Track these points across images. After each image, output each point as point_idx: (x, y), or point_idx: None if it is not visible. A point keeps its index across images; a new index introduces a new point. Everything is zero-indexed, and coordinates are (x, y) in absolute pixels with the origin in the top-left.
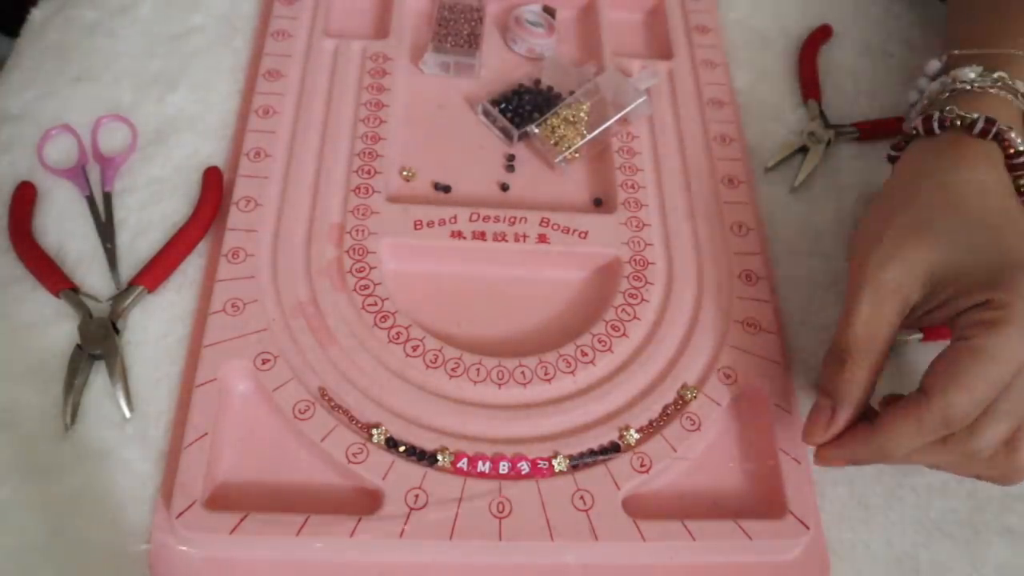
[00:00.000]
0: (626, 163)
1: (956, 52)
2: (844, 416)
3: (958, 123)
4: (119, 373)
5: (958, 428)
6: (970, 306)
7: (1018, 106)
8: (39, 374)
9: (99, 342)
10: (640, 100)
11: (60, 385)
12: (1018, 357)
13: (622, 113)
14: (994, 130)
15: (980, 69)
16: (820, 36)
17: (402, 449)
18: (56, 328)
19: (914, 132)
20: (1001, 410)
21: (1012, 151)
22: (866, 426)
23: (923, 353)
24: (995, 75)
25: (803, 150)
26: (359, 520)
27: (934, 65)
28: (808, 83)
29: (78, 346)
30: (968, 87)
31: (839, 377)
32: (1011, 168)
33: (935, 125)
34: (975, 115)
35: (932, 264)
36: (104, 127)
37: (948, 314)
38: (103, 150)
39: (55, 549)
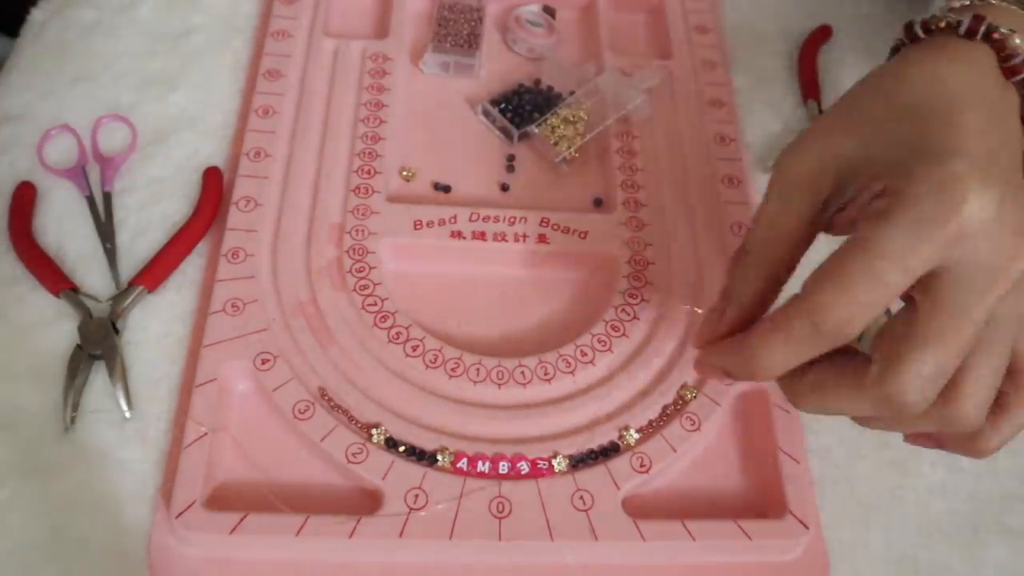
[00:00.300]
0: (626, 163)
1: None
2: (730, 315)
3: (942, 24)
4: (119, 373)
5: (832, 335)
6: (869, 198)
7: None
8: (39, 374)
9: (99, 342)
10: (640, 100)
11: (60, 385)
12: (909, 255)
13: (622, 113)
14: (983, 28)
15: None
16: (820, 36)
17: (402, 449)
18: (56, 328)
19: (899, 41)
20: (913, 340)
21: (1006, 53)
22: (742, 334)
23: None
24: None
25: None
26: (359, 520)
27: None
28: (808, 83)
29: (78, 346)
30: (969, 1)
31: (738, 275)
32: (1009, 73)
33: (918, 29)
34: (961, 15)
35: (845, 152)
36: (104, 127)
37: (854, 211)
38: (103, 150)
39: (55, 549)
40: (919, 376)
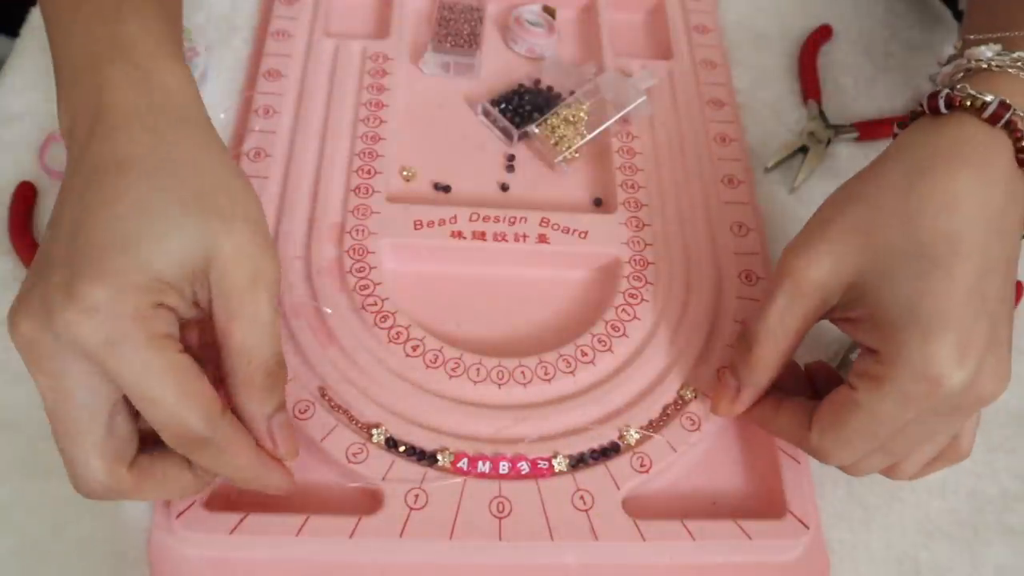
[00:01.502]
0: (626, 163)
1: (972, 36)
2: (747, 397)
3: (968, 103)
4: None
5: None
6: (866, 347)
7: None
8: None
9: None
10: (640, 100)
11: None
12: (896, 415)
13: (622, 113)
14: (1007, 116)
15: (998, 48)
16: (820, 36)
17: (402, 449)
18: None
19: (919, 108)
20: (881, 451)
21: (1022, 144)
22: (770, 401)
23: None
24: (1015, 54)
25: (803, 150)
26: (359, 520)
27: (948, 51)
28: (808, 83)
29: None
30: (984, 65)
31: (746, 360)
32: (1022, 163)
33: (941, 103)
34: (988, 96)
35: (856, 275)
36: None
37: (852, 335)
38: None
39: (55, 549)
40: (850, 454)
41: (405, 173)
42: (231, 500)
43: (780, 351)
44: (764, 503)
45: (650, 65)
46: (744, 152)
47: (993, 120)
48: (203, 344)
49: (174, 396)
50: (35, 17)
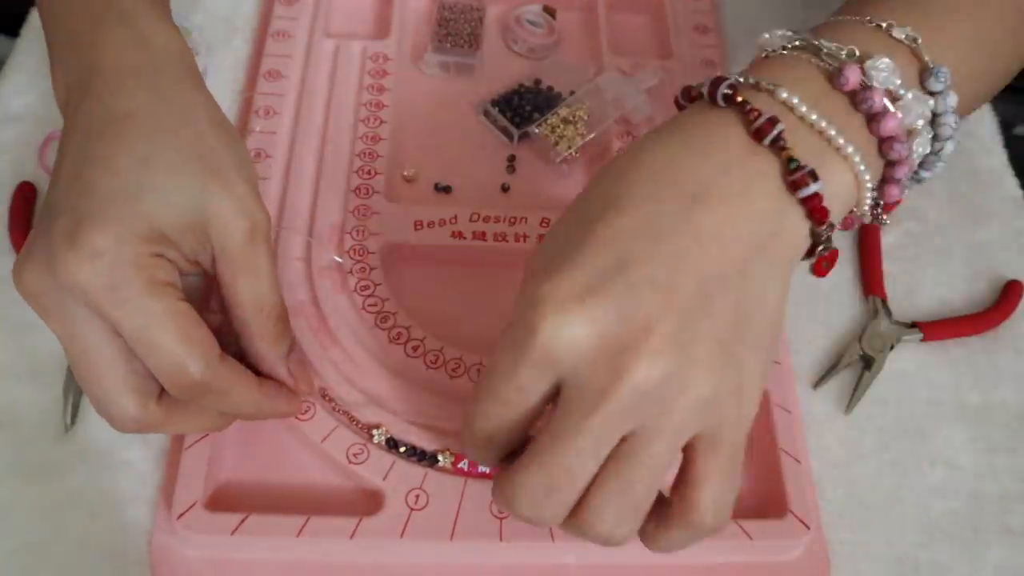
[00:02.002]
0: None
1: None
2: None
3: (693, 93)
4: None
5: (487, 447)
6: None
7: (819, 65)
8: (39, 374)
9: None
10: (640, 100)
11: (60, 385)
12: (512, 375)
13: (622, 113)
14: (722, 90)
15: (788, 33)
16: None
17: (403, 449)
18: None
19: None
20: (529, 452)
21: (754, 115)
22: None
23: (923, 353)
24: (799, 37)
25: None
26: (360, 521)
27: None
28: None
29: None
30: (763, 55)
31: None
32: (756, 136)
33: (679, 98)
34: (767, 104)
35: (532, 259)
36: None
37: None
38: None
39: (55, 549)
40: (526, 486)
41: (406, 173)
42: (232, 501)
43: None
44: (765, 503)
45: (650, 65)
46: None
47: (710, 97)
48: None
49: (173, 341)
50: (35, 17)
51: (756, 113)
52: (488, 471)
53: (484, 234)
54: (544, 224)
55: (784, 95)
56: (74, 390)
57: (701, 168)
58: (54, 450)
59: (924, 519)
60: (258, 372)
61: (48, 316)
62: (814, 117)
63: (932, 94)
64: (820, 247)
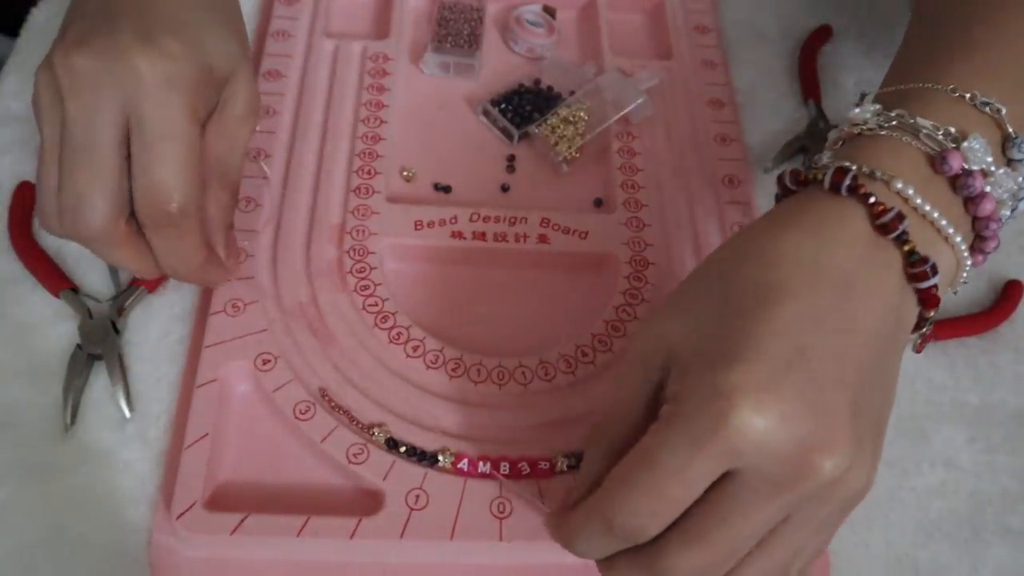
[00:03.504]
0: (626, 163)
1: (880, 90)
2: (578, 491)
3: (811, 177)
4: (119, 373)
5: (628, 538)
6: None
7: (920, 148)
8: (39, 374)
9: (99, 342)
10: (640, 100)
11: (60, 385)
12: (684, 470)
13: (622, 113)
14: (846, 182)
15: (878, 107)
16: (820, 36)
17: (403, 449)
18: (56, 328)
19: (776, 195)
20: (691, 531)
21: (880, 209)
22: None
23: (923, 353)
24: (893, 113)
25: (803, 150)
26: (360, 521)
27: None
28: (808, 83)
29: (78, 346)
30: (858, 131)
31: (588, 451)
32: (881, 231)
33: (787, 181)
34: (827, 166)
35: (672, 338)
36: None
37: None
38: None
39: (55, 549)
40: (685, 565)
41: (405, 173)
42: (232, 501)
43: (616, 436)
44: None
45: (650, 65)
46: (744, 152)
47: (833, 189)
48: None
49: (180, 162)
50: (35, 17)
51: (882, 208)
52: (488, 471)
53: (484, 234)
54: (544, 224)
55: (899, 186)
56: (74, 390)
57: (843, 259)
58: (54, 450)
59: (924, 519)
60: None
61: (77, 95)
62: (927, 208)
63: (1011, 162)
64: (924, 328)
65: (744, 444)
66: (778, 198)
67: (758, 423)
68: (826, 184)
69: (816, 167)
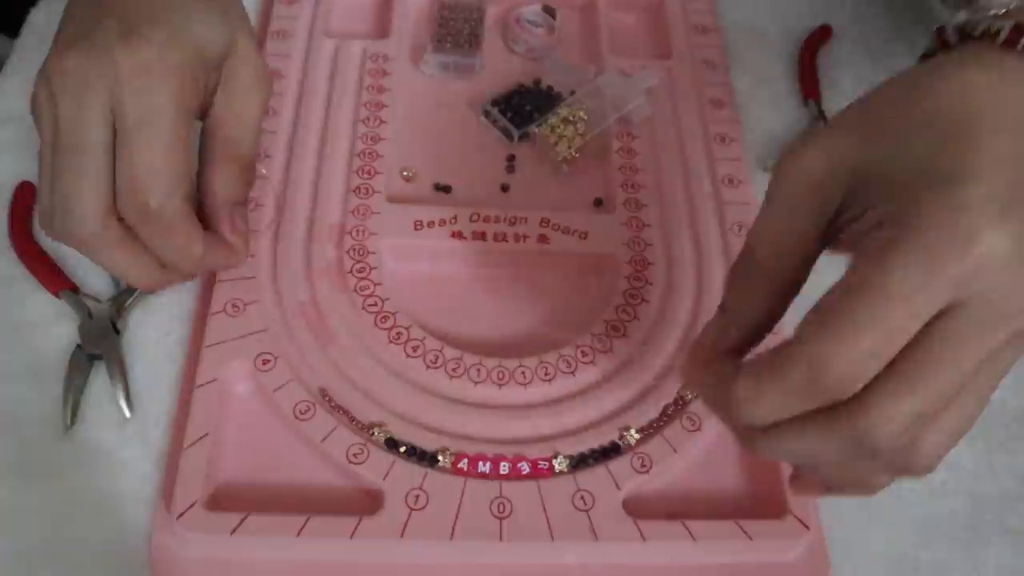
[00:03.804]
0: (626, 163)
1: None
2: (733, 335)
3: (978, 31)
4: (119, 373)
5: (833, 389)
6: (869, 227)
7: None
8: (39, 374)
9: (99, 342)
10: (640, 100)
11: (60, 385)
12: (918, 295)
13: (622, 113)
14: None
15: None
16: (820, 36)
17: (403, 449)
18: (56, 328)
19: (927, 49)
20: (902, 376)
21: None
22: (734, 369)
23: None
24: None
25: None
26: (360, 521)
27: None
28: (808, 83)
29: (78, 346)
30: (998, 12)
31: (739, 289)
32: None
33: (950, 35)
34: (1002, 23)
35: (855, 161)
36: None
37: (855, 234)
38: None
39: (55, 549)
40: (898, 416)
41: (405, 173)
42: (232, 501)
43: (779, 272)
44: (764, 503)
45: (650, 65)
46: (744, 152)
47: (1008, 44)
48: None
49: (160, 151)
50: (35, 17)
51: None
52: (488, 471)
53: (484, 234)
54: (544, 224)
55: None
56: (74, 390)
57: None
58: (54, 450)
59: (924, 519)
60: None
61: (68, 93)
62: None
63: None
64: None
65: (988, 264)
66: (925, 56)
67: (1003, 243)
68: (1001, 38)
69: (980, 24)
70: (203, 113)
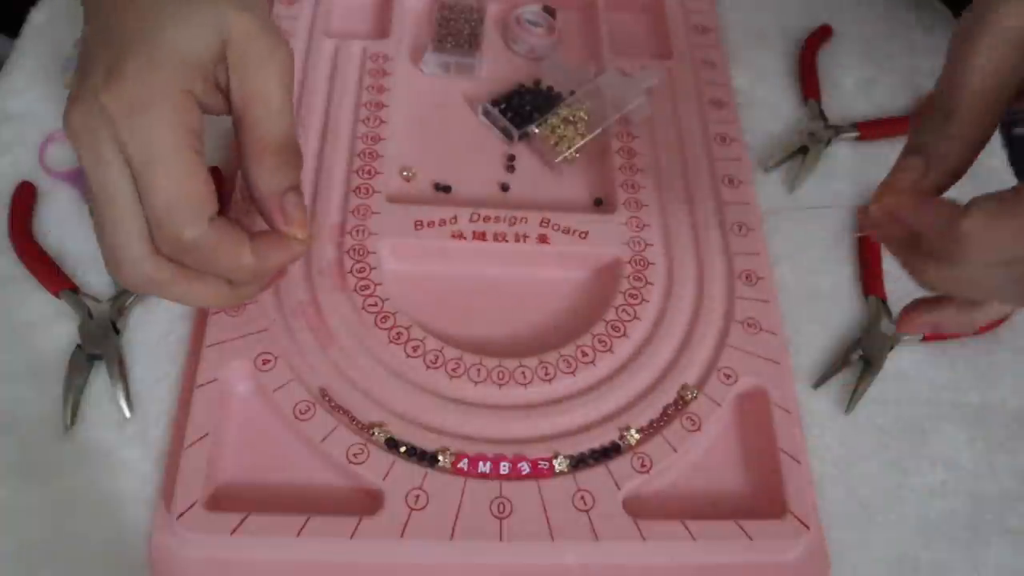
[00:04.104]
0: (626, 163)
1: None
2: (935, 176)
3: None
4: (119, 373)
5: None
6: None
7: None
8: (39, 374)
9: (99, 342)
10: (640, 100)
11: (60, 385)
12: None
13: (622, 113)
14: None
15: None
16: (820, 36)
17: (403, 449)
18: (56, 328)
19: None
20: None
21: None
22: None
23: (923, 353)
24: None
25: (803, 150)
26: (360, 521)
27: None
28: (808, 83)
29: (78, 346)
30: None
31: (941, 131)
32: None
33: None
34: None
35: None
36: None
37: None
38: None
39: (55, 549)
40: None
41: (405, 173)
42: (232, 501)
43: (983, 120)
44: (764, 503)
45: (650, 65)
46: (744, 152)
47: None
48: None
49: (175, 185)
50: (35, 17)
51: None
52: (488, 471)
53: (484, 234)
54: (544, 224)
55: None
56: (74, 390)
57: None
58: (54, 450)
59: (924, 519)
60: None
61: (85, 152)
62: None
63: None
64: None
65: None
66: None
67: None
68: None
69: None
70: (226, 110)
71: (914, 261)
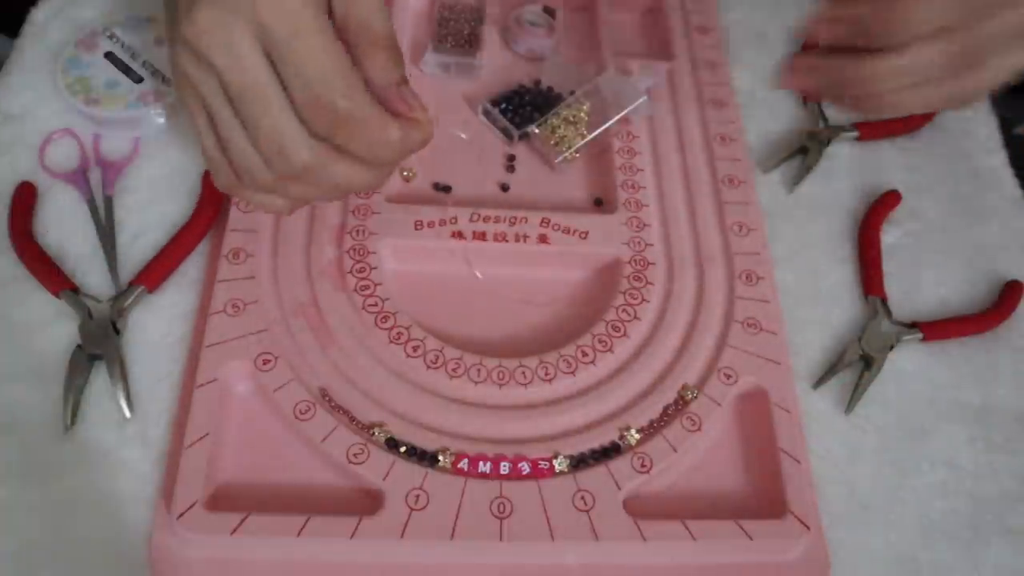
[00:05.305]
0: (626, 163)
1: None
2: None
3: None
4: (119, 373)
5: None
6: None
7: None
8: (39, 374)
9: (99, 342)
10: (640, 100)
11: (60, 385)
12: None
13: (622, 113)
14: None
15: None
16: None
17: (403, 449)
18: (56, 328)
19: None
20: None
21: None
22: None
23: (923, 353)
24: None
25: (803, 150)
26: (360, 521)
27: None
28: None
29: (78, 346)
30: None
31: None
32: None
33: None
34: None
35: None
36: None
37: None
38: (104, 153)
39: (55, 549)
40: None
41: (405, 173)
42: (232, 501)
43: None
44: (764, 503)
45: (650, 65)
46: (744, 152)
47: None
48: None
49: (325, 54)
50: (35, 17)
51: None
52: (488, 471)
53: (484, 234)
54: (544, 224)
55: None
56: (74, 390)
57: None
58: (54, 450)
59: (924, 519)
60: None
61: (218, 51)
62: None
63: None
64: None
65: None
66: None
67: None
68: None
69: None
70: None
71: (852, 65)
